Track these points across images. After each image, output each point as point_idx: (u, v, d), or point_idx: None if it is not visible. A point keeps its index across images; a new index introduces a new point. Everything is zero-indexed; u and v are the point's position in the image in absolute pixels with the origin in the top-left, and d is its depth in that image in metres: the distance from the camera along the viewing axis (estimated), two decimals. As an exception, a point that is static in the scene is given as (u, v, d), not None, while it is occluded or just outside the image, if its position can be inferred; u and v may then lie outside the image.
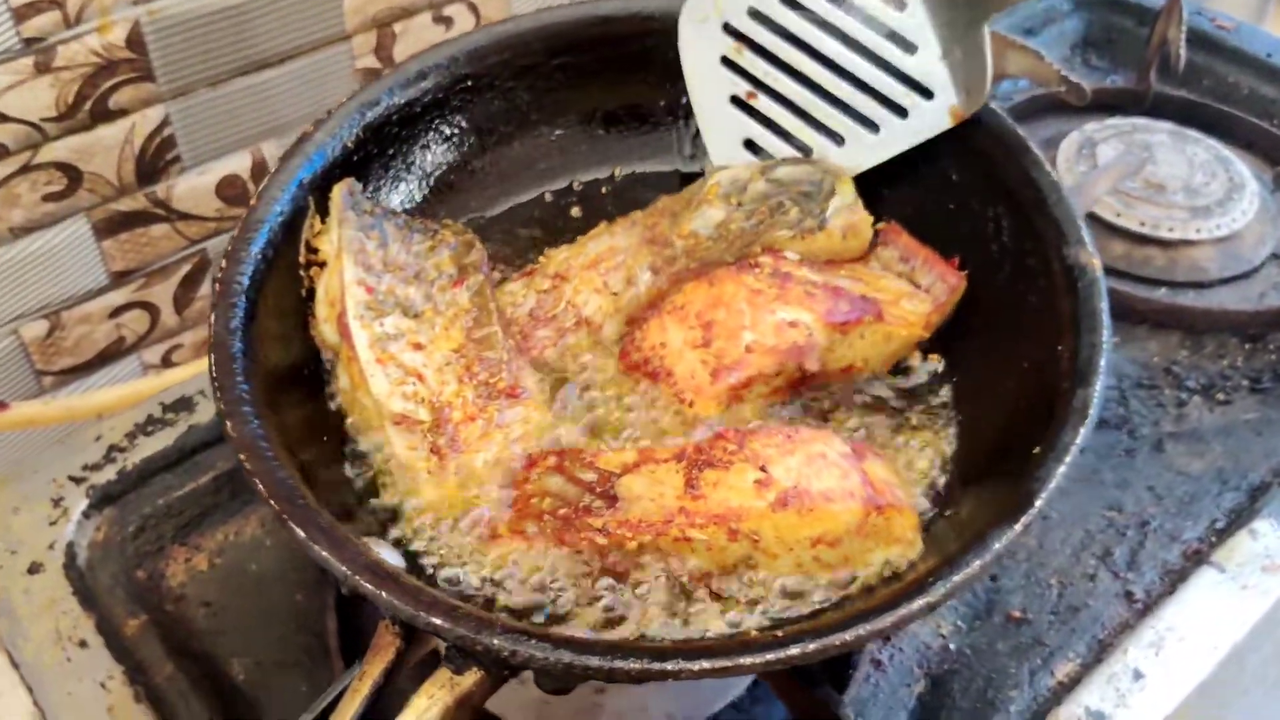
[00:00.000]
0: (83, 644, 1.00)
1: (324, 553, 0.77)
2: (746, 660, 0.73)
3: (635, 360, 0.96)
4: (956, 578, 0.76)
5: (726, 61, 1.09)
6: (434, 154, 1.12)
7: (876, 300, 0.98)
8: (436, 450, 0.92)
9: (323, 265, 1.02)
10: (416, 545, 0.88)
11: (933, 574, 0.77)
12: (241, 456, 0.83)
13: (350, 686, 0.77)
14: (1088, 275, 0.92)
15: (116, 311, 1.39)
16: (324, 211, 1.03)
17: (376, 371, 0.95)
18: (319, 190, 1.03)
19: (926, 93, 1.02)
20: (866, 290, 0.99)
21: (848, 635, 0.74)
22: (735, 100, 1.10)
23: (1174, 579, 1.09)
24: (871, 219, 1.04)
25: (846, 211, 1.02)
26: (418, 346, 0.98)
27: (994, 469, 0.89)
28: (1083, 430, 0.83)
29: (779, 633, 0.75)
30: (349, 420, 0.96)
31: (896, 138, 1.03)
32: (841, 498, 0.84)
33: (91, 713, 0.95)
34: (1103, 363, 0.87)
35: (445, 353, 0.98)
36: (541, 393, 0.97)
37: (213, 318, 0.91)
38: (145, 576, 1.09)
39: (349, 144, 1.05)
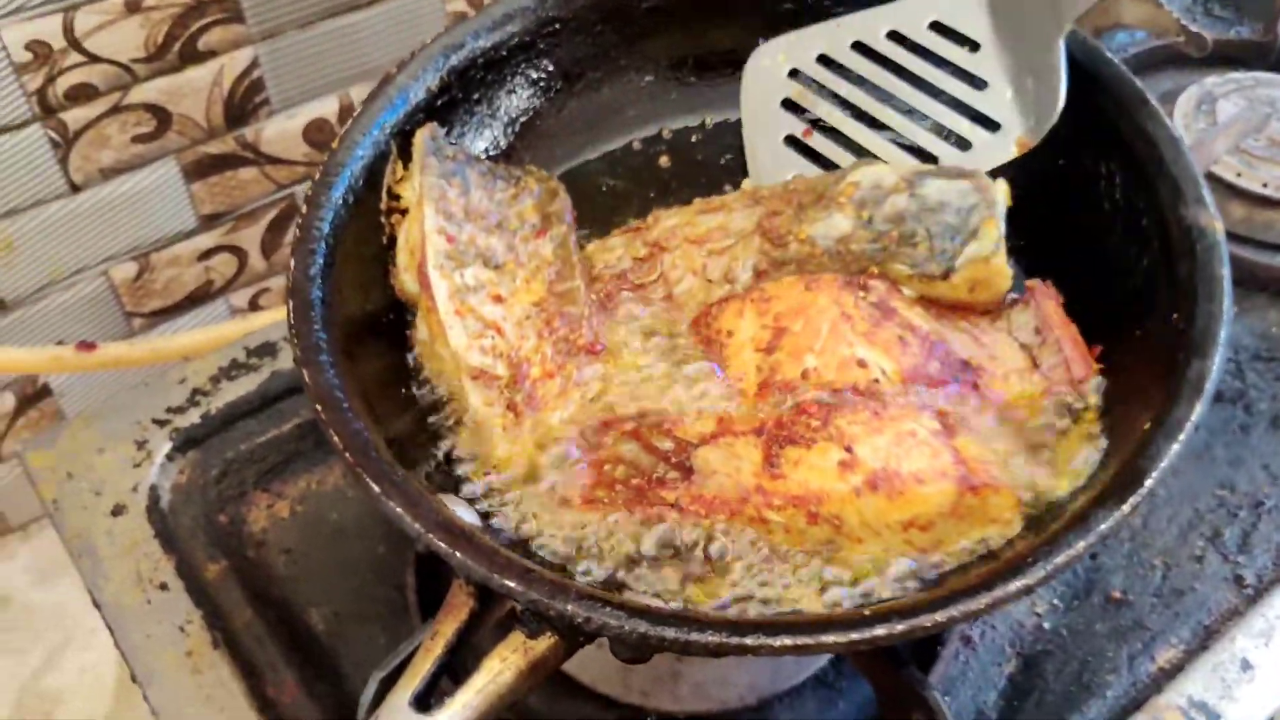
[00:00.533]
0: (163, 586, 1.00)
1: (397, 508, 0.75)
2: (829, 639, 0.69)
3: (704, 334, 0.91)
4: (1057, 560, 0.71)
5: (788, 104, 1.06)
6: (519, 99, 1.08)
7: (977, 369, 0.88)
8: (513, 407, 0.90)
9: (404, 212, 0.99)
10: (490, 504, 0.86)
11: (1031, 554, 0.72)
12: (317, 406, 0.81)
13: (423, 645, 0.76)
14: (1208, 238, 0.86)
15: (205, 255, 1.39)
16: (406, 157, 1.00)
17: (455, 324, 0.93)
18: (401, 135, 1.00)
19: (993, 125, 0.98)
20: (974, 354, 0.88)
21: (938, 616, 0.70)
22: (790, 140, 1.05)
23: (1288, 564, 1.03)
24: (1009, 274, 0.91)
25: (980, 264, 0.89)
26: (498, 299, 0.95)
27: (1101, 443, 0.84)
28: (1198, 406, 0.77)
29: (866, 610, 0.72)
30: (426, 372, 0.94)
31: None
32: (934, 478, 0.79)
33: (170, 655, 0.96)
34: (1222, 334, 0.80)
35: (525, 306, 0.95)
36: (625, 350, 0.94)
37: (292, 263, 0.89)
38: (227, 521, 1.09)
39: (433, 88, 1.02)
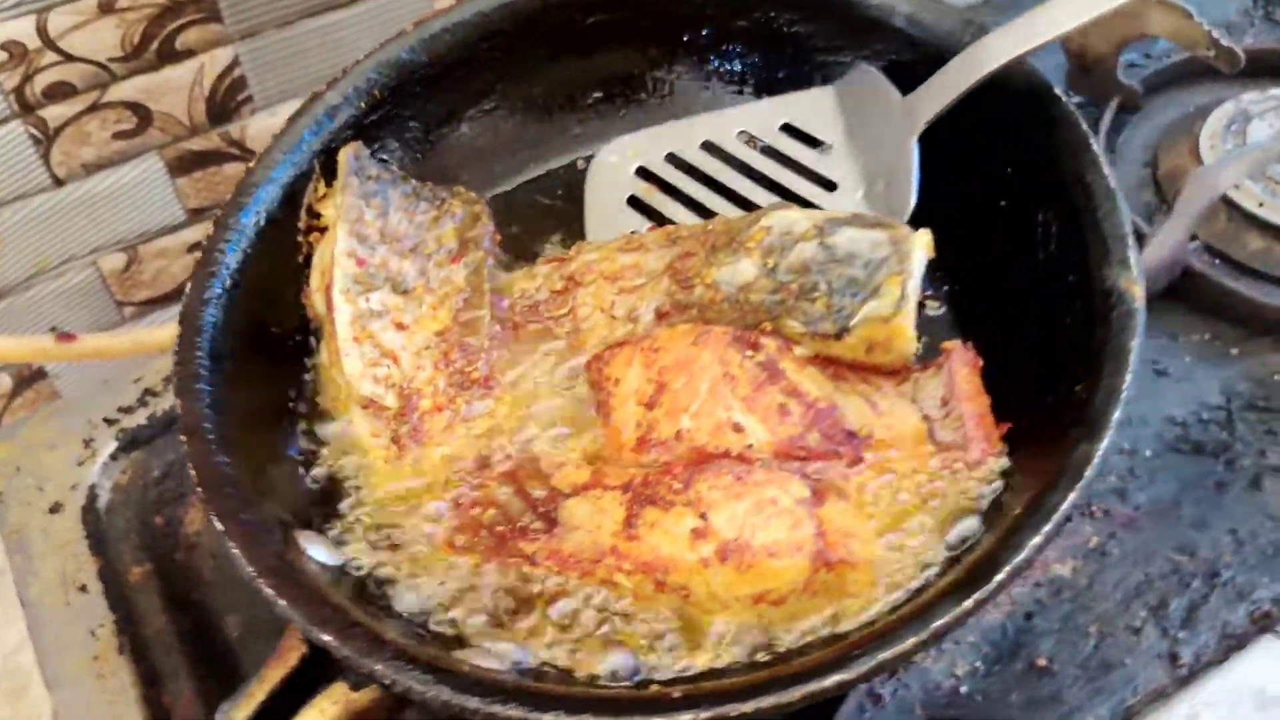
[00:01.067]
0: (83, 589, 1.03)
1: (234, 548, 0.76)
2: (635, 721, 0.67)
3: (594, 379, 0.89)
4: (882, 656, 0.67)
5: (634, 201, 1.05)
6: (457, 117, 1.07)
7: (865, 440, 0.83)
8: (397, 440, 0.89)
9: (324, 230, 0.99)
10: (355, 541, 0.85)
11: (859, 646, 0.68)
12: (183, 436, 0.82)
13: (248, 691, 0.76)
14: (1125, 303, 0.79)
15: (193, 247, 1.41)
16: (332, 175, 1.00)
17: (352, 350, 0.92)
18: (326, 153, 1.00)
19: None
20: (867, 423, 0.83)
21: (745, 707, 0.67)
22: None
23: (1230, 646, 0.96)
24: (912, 337, 0.85)
25: (878, 324, 0.84)
26: (400, 326, 0.94)
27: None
28: (1072, 495, 0.72)
29: (675, 692, 0.69)
30: (321, 397, 0.94)
31: None
32: (787, 552, 0.75)
33: (77, 659, 0.99)
34: (1116, 415, 0.75)
35: (427, 335, 0.94)
36: (520, 386, 0.92)
37: (189, 287, 0.90)
38: (163, 523, 1.11)
39: (364, 105, 1.02)
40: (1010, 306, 0.90)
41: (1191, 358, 1.17)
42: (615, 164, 1.05)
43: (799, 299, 0.86)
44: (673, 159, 1.05)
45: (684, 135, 1.05)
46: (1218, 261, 1.23)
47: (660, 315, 0.91)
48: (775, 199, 0.98)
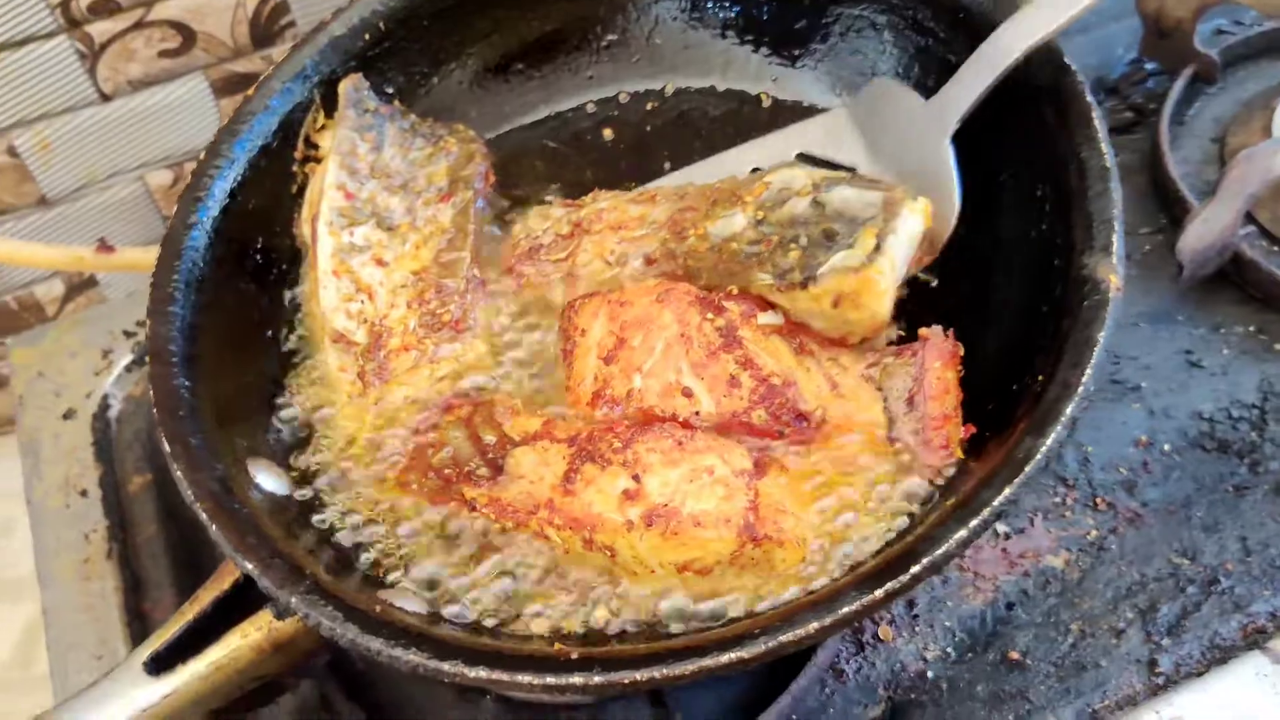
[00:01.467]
0: (84, 493, 1.07)
1: (177, 470, 0.77)
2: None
3: (563, 326, 0.87)
4: (782, 638, 0.65)
5: None
6: (467, 52, 1.06)
7: (818, 425, 0.79)
8: (363, 376, 0.90)
9: (320, 162, 1.00)
10: (312, 470, 0.86)
11: (762, 628, 0.66)
12: (146, 358, 0.84)
13: (180, 609, 0.78)
14: (1098, 294, 0.74)
15: (238, 168, 1.44)
16: (333, 107, 1.00)
17: (330, 283, 0.93)
18: (328, 84, 1.00)
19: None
20: (824, 405, 0.80)
21: (639, 675, 0.66)
22: None
23: (1214, 659, 0.90)
24: (884, 294, 0.81)
25: (846, 275, 0.80)
26: (380, 262, 0.94)
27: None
28: (1005, 491, 0.68)
29: (574, 654, 0.68)
30: (299, 326, 0.95)
31: None
32: (715, 524, 0.73)
33: (69, 560, 1.03)
34: (1068, 411, 0.70)
35: (406, 273, 0.94)
36: (489, 334, 0.92)
37: (175, 209, 0.92)
38: (168, 436, 1.14)
39: (369, 37, 1.01)
40: (998, 285, 0.86)
41: (1231, 351, 1.10)
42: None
43: (775, 250, 0.84)
44: None
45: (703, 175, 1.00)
46: (1276, 248, 1.14)
47: (648, 261, 0.89)
48: None
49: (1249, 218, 1.14)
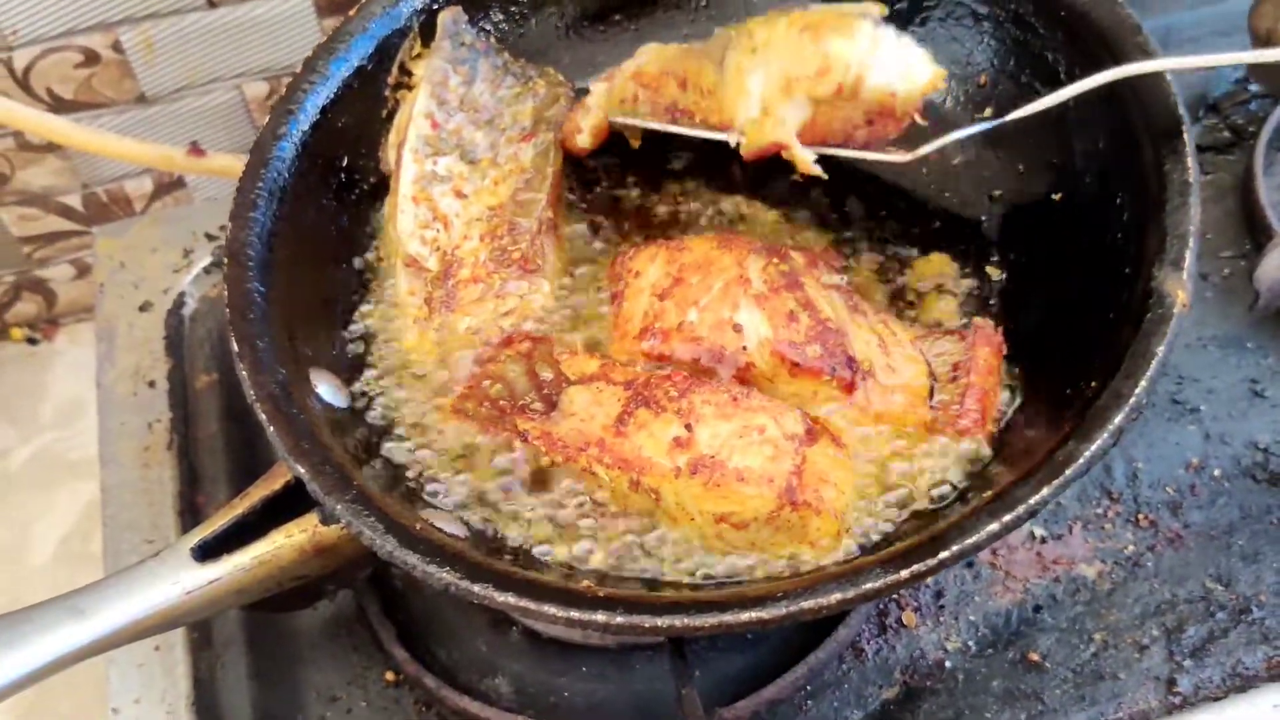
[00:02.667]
0: (151, 384, 1.11)
1: (242, 370, 0.80)
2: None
3: (614, 271, 0.89)
4: (804, 603, 0.67)
5: None
6: (566, -1, 1.06)
7: (866, 373, 0.81)
8: (430, 302, 0.92)
9: (412, 89, 1.01)
10: (372, 389, 0.89)
11: (783, 593, 0.68)
12: (226, 257, 0.86)
13: (231, 502, 0.81)
14: (1163, 307, 0.74)
15: (333, 87, 1.46)
16: (430, 36, 1.01)
17: (409, 209, 0.95)
18: (429, 13, 1.01)
19: None
20: (871, 357, 0.82)
21: (660, 620, 0.68)
22: None
23: (1233, 686, 0.90)
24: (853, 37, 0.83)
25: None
26: (459, 194, 0.96)
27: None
28: (1042, 493, 0.68)
29: (605, 591, 0.70)
30: (378, 245, 0.97)
31: None
32: (757, 481, 0.75)
33: (131, 445, 1.07)
34: (1116, 421, 0.70)
35: (482, 207, 0.96)
36: (556, 275, 0.94)
37: (266, 120, 0.94)
38: (238, 339, 1.18)
39: (474, -29, 1.02)
40: (1065, 288, 0.85)
41: (1298, 384, 1.09)
42: None
43: None
44: None
45: None
46: (1361, 287, 1.12)
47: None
48: None
49: (1336, 253, 1.12)
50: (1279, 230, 1.13)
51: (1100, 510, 1.03)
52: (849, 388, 0.80)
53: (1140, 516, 1.03)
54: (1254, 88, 1.30)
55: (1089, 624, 0.96)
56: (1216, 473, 1.04)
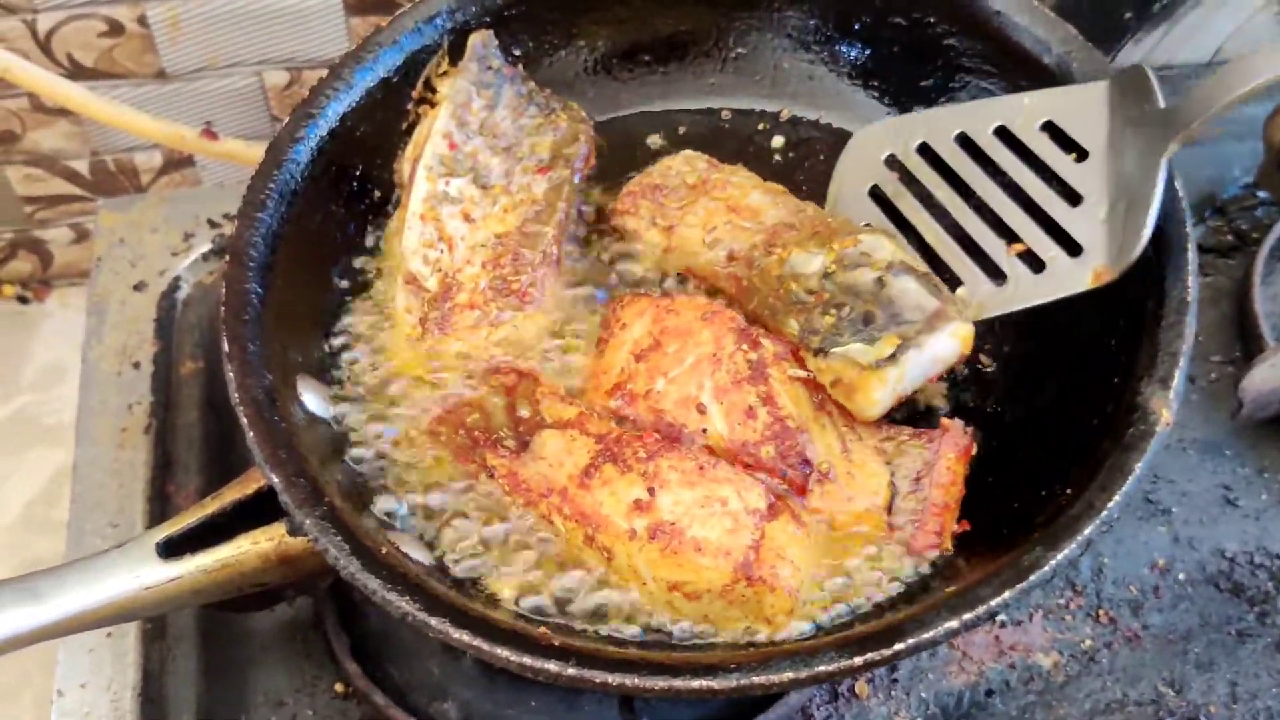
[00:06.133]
0: (136, 365, 1.11)
1: (229, 371, 0.80)
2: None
3: (606, 316, 0.89)
4: (756, 680, 0.67)
5: (875, 193, 0.98)
6: (601, 33, 1.07)
7: (822, 476, 0.81)
8: (424, 321, 0.92)
9: (434, 106, 1.02)
10: (355, 403, 0.89)
11: (737, 663, 0.68)
12: (228, 255, 0.87)
13: (201, 503, 0.81)
14: (1145, 423, 0.75)
15: (353, 85, 1.46)
16: (459, 55, 1.02)
17: (416, 226, 0.95)
18: (460, 33, 1.02)
19: (1075, 249, 0.87)
20: (830, 461, 0.82)
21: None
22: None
23: (1170, 796, 0.91)
24: (877, 403, 0.83)
25: (850, 367, 0.82)
26: (468, 217, 0.96)
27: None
28: (1002, 596, 0.69)
29: (559, 640, 0.70)
30: (380, 256, 0.97)
31: (1023, 293, 0.88)
32: (714, 553, 0.75)
33: (108, 425, 1.07)
34: (1086, 532, 0.71)
35: (489, 234, 0.96)
36: (551, 312, 0.94)
37: (286, 120, 0.94)
38: (228, 329, 1.18)
39: (508, -3, 1.03)
40: (1053, 386, 0.86)
41: (1270, 497, 1.09)
42: (868, 149, 1.00)
43: (819, 308, 0.85)
44: (925, 151, 0.98)
45: (942, 124, 0.98)
46: (1347, 410, 1.13)
47: (730, 258, 0.91)
48: (1014, 209, 0.92)
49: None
50: (1270, 343, 1.14)
51: (1063, 601, 1.04)
52: (801, 490, 0.80)
53: (1101, 612, 1.03)
54: (1263, 194, 1.32)
55: (1039, 714, 0.97)
56: (1181, 576, 1.05)
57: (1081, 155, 0.91)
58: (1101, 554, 1.05)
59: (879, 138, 1.01)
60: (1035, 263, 0.89)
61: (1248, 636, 1.02)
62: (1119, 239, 0.85)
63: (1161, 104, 0.87)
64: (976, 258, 0.92)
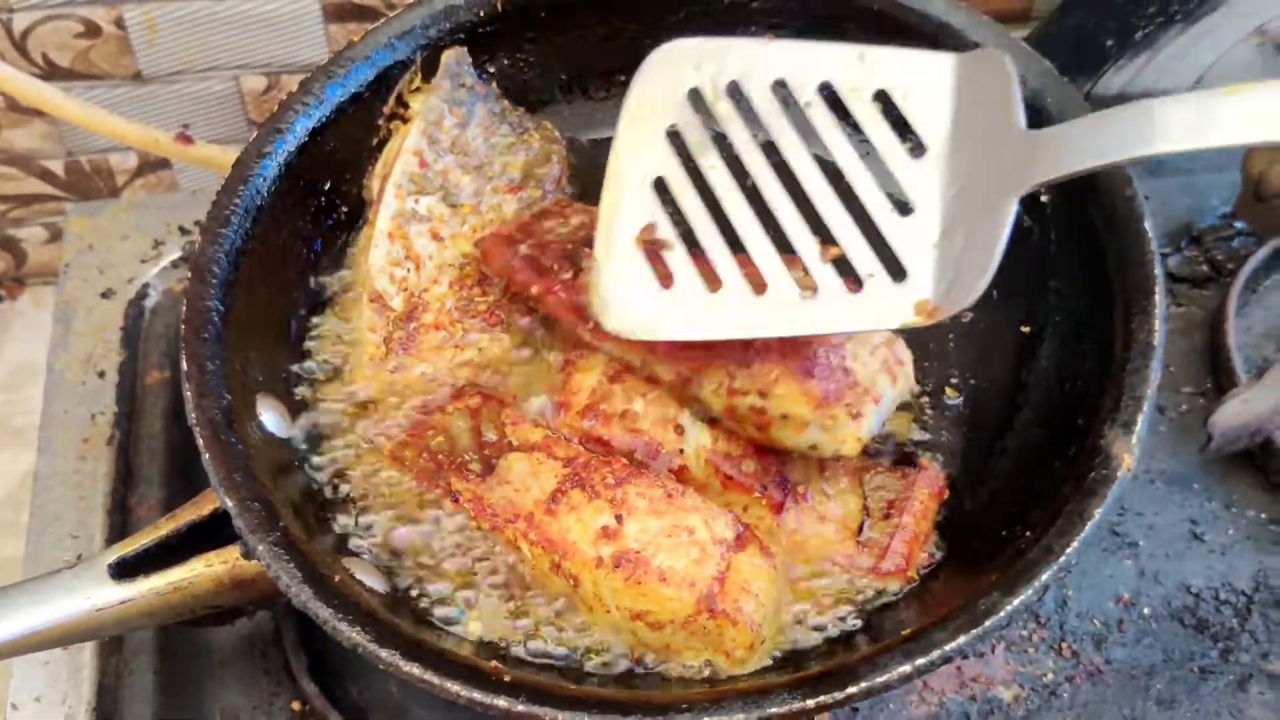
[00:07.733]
0: (101, 374, 1.10)
1: (187, 391, 0.79)
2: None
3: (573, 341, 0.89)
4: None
5: (673, 134, 0.84)
6: (577, 52, 1.06)
7: (799, 495, 0.82)
8: (389, 341, 0.91)
9: (406, 122, 1.01)
10: (315, 423, 0.88)
11: (688, 703, 0.68)
12: (190, 271, 0.86)
13: (155, 524, 0.80)
14: (1106, 468, 0.75)
15: (331, 91, 1.45)
16: (431, 72, 1.01)
17: (383, 244, 0.94)
18: (433, 49, 1.01)
19: (899, 272, 0.76)
20: (808, 480, 0.83)
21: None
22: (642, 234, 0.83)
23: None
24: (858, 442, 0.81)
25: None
26: (436, 236, 0.96)
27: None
28: (957, 641, 0.69)
29: (510, 675, 0.70)
30: (345, 273, 0.97)
31: (832, 316, 0.76)
32: (678, 584, 0.75)
33: (71, 435, 1.06)
34: (1044, 578, 0.71)
35: (457, 253, 0.95)
36: (518, 333, 0.93)
37: (252, 137, 0.93)
38: (199, 337, 1.17)
39: (483, 14, 1.02)
40: (1018, 424, 0.86)
41: (1236, 532, 1.09)
42: (670, 69, 0.85)
43: None
44: (735, 91, 0.83)
45: (761, 61, 0.82)
46: (1313, 446, 1.13)
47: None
48: (833, 200, 0.78)
49: (1293, 408, 1.13)
50: (1242, 377, 1.14)
51: (1025, 633, 1.04)
52: (777, 508, 0.80)
53: (1064, 645, 1.03)
54: (1239, 225, 1.32)
55: (986, 756, 0.97)
56: (1146, 611, 1.05)
57: (918, 149, 0.78)
58: (1066, 586, 1.05)
59: (684, 60, 0.84)
60: (849, 273, 0.77)
61: (1210, 673, 1.01)
62: (950, 274, 0.74)
63: (1022, 124, 0.74)
64: (785, 250, 0.79)
